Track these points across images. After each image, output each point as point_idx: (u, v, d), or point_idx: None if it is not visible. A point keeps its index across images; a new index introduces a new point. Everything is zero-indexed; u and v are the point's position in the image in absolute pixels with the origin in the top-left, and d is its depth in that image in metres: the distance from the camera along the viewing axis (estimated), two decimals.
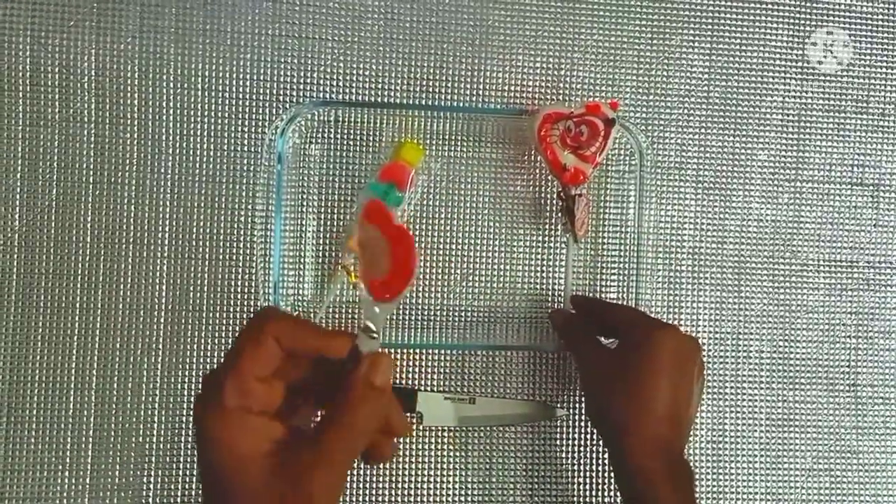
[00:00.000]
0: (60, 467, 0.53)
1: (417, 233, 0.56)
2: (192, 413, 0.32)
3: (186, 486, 0.53)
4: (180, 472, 0.54)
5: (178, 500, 0.53)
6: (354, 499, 0.55)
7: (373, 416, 0.32)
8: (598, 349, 0.50)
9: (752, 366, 0.59)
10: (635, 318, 0.49)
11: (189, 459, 0.54)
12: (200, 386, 0.32)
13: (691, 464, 0.58)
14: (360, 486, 0.55)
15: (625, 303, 0.56)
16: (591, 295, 0.57)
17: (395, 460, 0.55)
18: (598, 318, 0.53)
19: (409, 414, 0.55)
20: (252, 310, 0.55)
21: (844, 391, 0.59)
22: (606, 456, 0.56)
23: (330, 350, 0.32)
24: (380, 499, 0.55)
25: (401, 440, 0.55)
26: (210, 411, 0.30)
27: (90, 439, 0.53)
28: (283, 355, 0.31)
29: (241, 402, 0.30)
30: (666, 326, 0.47)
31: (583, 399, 0.56)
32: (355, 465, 0.54)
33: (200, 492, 0.35)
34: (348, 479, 0.54)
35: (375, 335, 0.33)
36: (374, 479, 0.55)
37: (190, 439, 0.54)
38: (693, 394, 0.47)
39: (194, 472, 0.54)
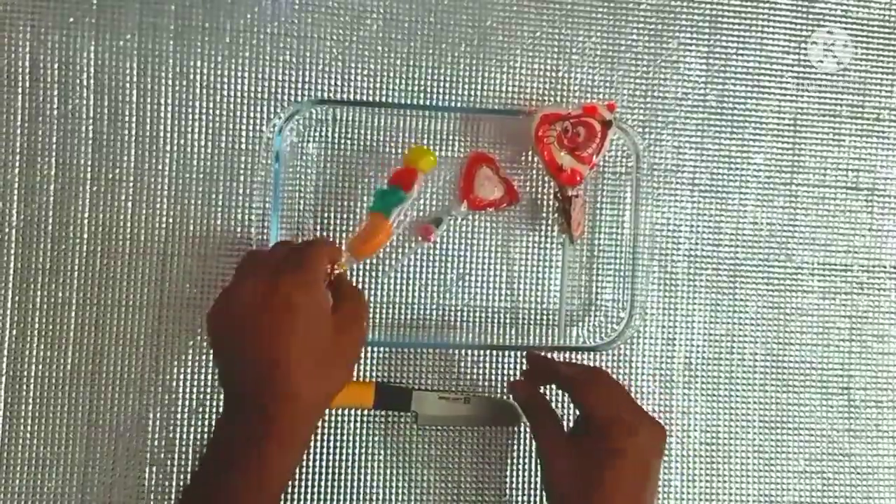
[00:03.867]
0: (54, 462, 0.53)
1: (414, 233, 0.56)
2: (273, 286, 0.42)
3: (180, 483, 0.54)
4: (174, 468, 0.54)
5: (172, 496, 0.53)
6: (348, 498, 0.55)
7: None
8: (560, 435, 0.48)
9: (746, 368, 0.59)
10: (602, 410, 0.47)
11: (184, 456, 0.54)
12: (280, 264, 0.43)
13: (686, 466, 0.58)
14: (354, 484, 0.55)
15: (620, 302, 0.56)
16: (548, 356, 0.53)
17: (389, 459, 0.55)
18: (552, 380, 0.53)
19: (404, 413, 0.55)
20: None
21: (837, 394, 0.60)
22: None
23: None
24: (373, 498, 0.55)
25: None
26: (303, 282, 0.42)
27: (83, 435, 0.53)
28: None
29: (321, 274, 0.44)
30: (633, 430, 0.46)
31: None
32: (348, 466, 0.55)
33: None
34: (341, 479, 0.55)
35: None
36: (368, 477, 0.55)
37: (184, 435, 0.54)
38: (656, 482, 0.47)
39: (189, 469, 0.54)
